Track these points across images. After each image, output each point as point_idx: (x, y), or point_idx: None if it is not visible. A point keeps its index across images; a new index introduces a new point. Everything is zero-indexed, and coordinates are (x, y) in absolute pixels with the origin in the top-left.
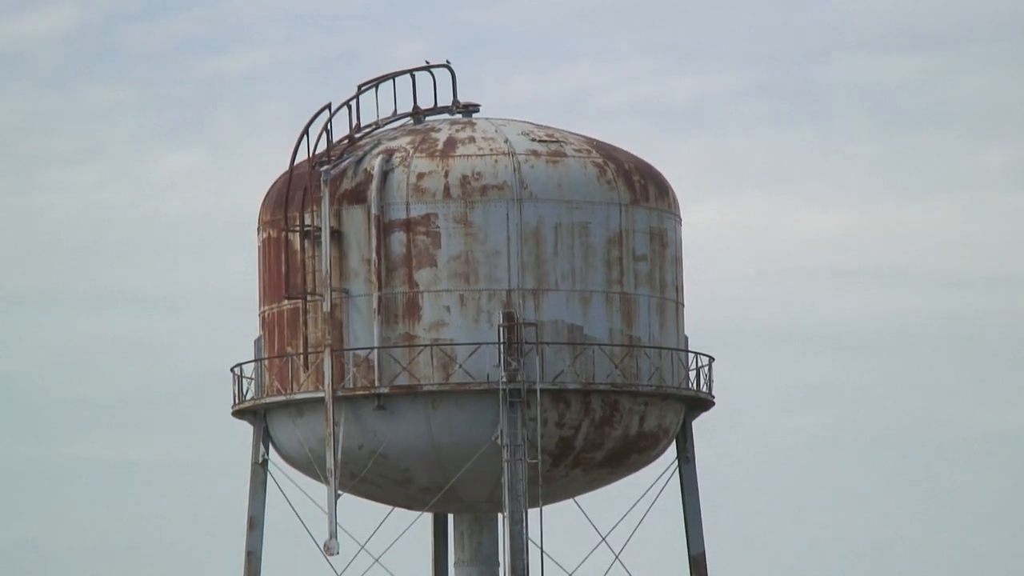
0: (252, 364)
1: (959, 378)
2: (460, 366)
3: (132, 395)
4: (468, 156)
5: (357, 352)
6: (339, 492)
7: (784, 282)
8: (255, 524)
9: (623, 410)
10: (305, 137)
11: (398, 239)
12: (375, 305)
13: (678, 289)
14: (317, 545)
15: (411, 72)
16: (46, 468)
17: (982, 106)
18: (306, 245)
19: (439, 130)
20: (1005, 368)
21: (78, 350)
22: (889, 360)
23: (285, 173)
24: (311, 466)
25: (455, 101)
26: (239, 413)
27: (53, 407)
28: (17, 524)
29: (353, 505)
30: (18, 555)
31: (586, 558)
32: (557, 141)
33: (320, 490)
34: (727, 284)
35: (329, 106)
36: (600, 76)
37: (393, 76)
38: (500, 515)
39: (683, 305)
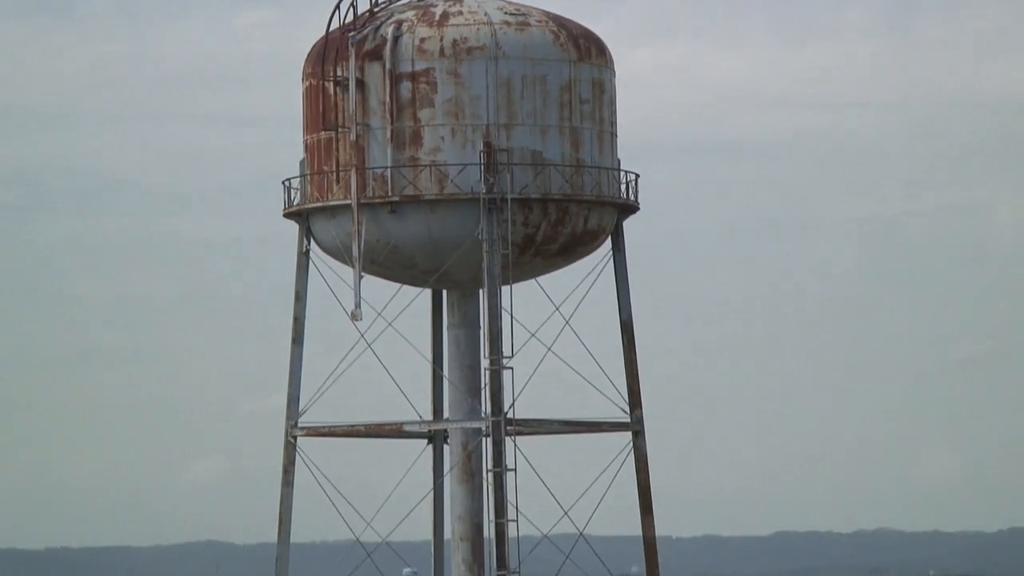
0: (298, 178)
1: (834, 174)
2: (451, 181)
3: (211, 190)
4: (458, 25)
5: (375, 170)
6: (362, 274)
7: (696, 111)
8: (300, 297)
9: (571, 214)
10: (337, 11)
11: (406, 87)
12: (388, 135)
13: (613, 123)
14: (345, 312)
15: None
16: (150, 241)
17: None
18: (337, 91)
19: (436, 6)
20: (865, 168)
21: (172, 153)
22: (778, 166)
23: (322, 37)
24: (341, 254)
25: None
26: (288, 215)
27: (156, 195)
28: (130, 281)
29: (372, 283)
30: (130, 307)
31: (544, 323)
32: (523, 14)
33: (348, 272)
34: (651, 118)
35: None
36: None
37: None
38: (481, 290)
39: (616, 135)
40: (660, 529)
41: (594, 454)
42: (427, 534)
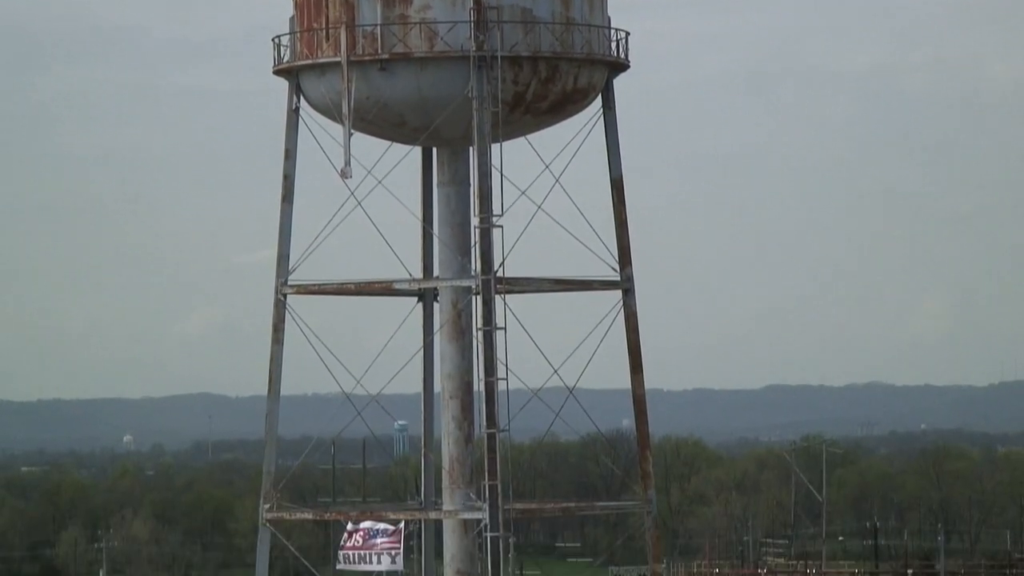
0: (288, 36)
1: (827, 25)
2: (441, 39)
3: (211, 40)
4: None
5: (365, 27)
6: (352, 131)
7: None
8: (290, 155)
9: (562, 72)
10: None
11: None
12: None
13: None
14: (335, 170)
15: None
16: (156, 92)
17: None
18: None
19: None
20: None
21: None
22: (770, 17)
23: None
24: (331, 112)
25: None
26: (278, 72)
27: (159, 47)
28: (128, 133)
29: (361, 141)
30: (124, 160)
31: (534, 181)
32: None
33: (337, 130)
34: None
35: None
36: None
37: None
38: (471, 148)
39: None
40: (651, 383)
41: (584, 312)
42: (417, 387)
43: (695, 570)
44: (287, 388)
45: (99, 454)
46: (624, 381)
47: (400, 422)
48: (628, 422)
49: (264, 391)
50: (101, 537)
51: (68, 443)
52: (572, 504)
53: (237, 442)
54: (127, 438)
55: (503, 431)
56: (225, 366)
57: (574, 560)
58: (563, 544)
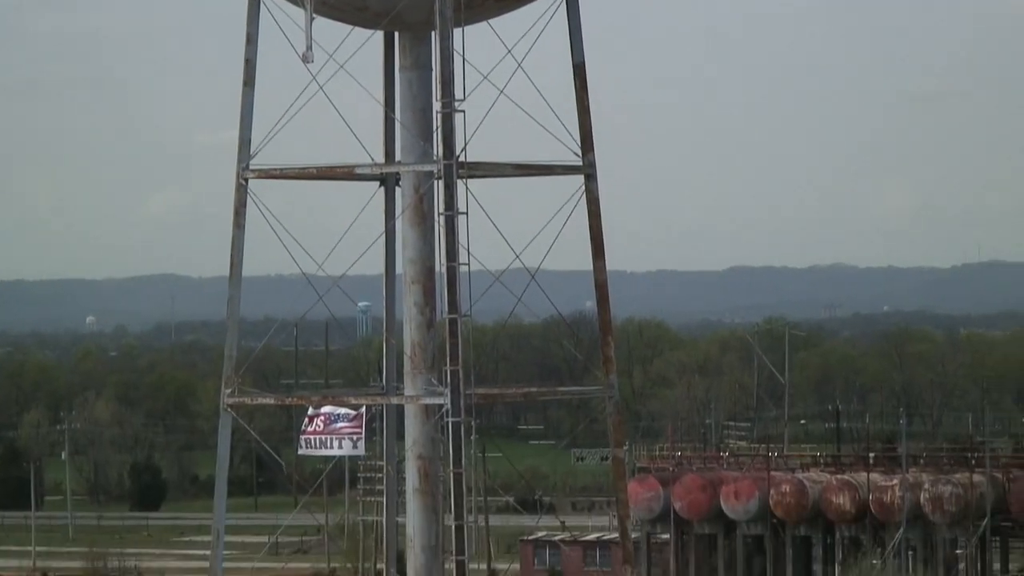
0: None
1: None
2: None
3: None
4: None
5: None
6: (313, 15)
7: None
8: (252, 39)
9: None
10: None
11: None
12: None
13: None
14: (297, 54)
15: None
16: None
17: None
18: None
19: None
20: None
21: None
22: None
23: None
24: None
25: None
26: None
27: None
28: (92, 14)
29: (323, 26)
30: (88, 41)
31: (496, 65)
32: None
33: (299, 14)
34: None
35: None
36: None
37: None
38: (433, 32)
39: None
40: (613, 265)
41: (546, 198)
42: (379, 269)
43: (657, 453)
44: (250, 269)
45: (62, 335)
46: (587, 263)
47: (363, 303)
48: (591, 303)
49: (227, 271)
50: (63, 419)
51: (31, 324)
52: (534, 389)
53: (200, 323)
54: (90, 319)
55: (465, 316)
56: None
57: (536, 443)
58: (526, 427)
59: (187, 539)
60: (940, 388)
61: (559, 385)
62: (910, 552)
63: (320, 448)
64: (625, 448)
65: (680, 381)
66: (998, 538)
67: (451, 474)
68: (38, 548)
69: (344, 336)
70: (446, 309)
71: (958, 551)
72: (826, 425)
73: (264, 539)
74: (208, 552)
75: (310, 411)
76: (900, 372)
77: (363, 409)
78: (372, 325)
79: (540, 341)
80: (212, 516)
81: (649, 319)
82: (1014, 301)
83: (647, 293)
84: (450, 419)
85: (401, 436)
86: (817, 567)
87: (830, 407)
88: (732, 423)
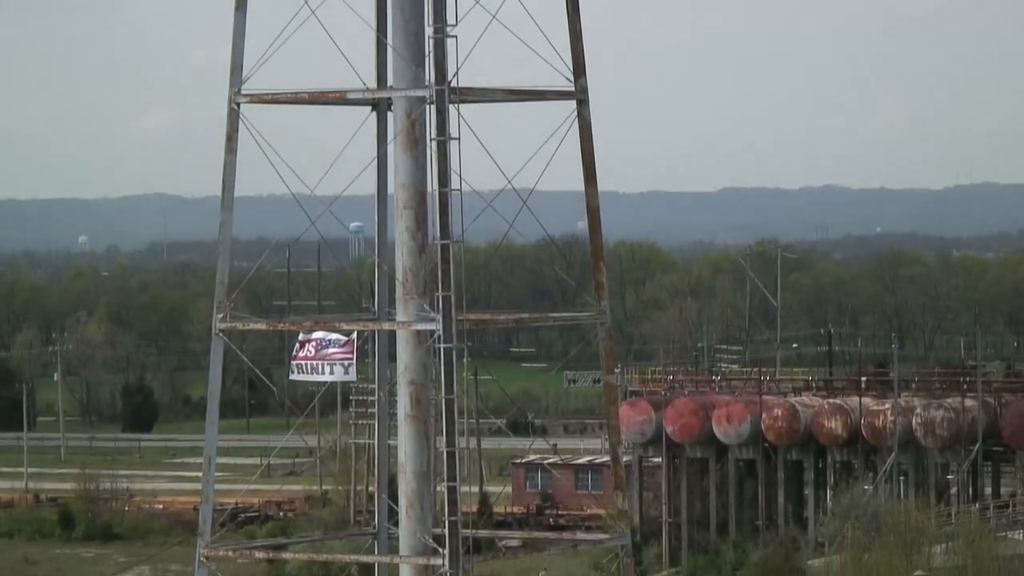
0: None
1: None
2: None
3: None
4: None
5: None
6: None
7: None
8: None
9: None
10: None
11: None
12: None
13: None
14: None
15: None
16: None
17: None
18: None
19: None
20: None
21: None
22: None
23: None
24: None
25: None
26: None
27: None
28: None
29: None
30: None
31: None
32: None
33: None
34: None
35: None
36: None
37: None
38: None
39: None
40: (606, 186)
41: (539, 123)
42: (371, 190)
43: (649, 376)
44: (242, 189)
45: (54, 255)
46: (580, 183)
47: (355, 224)
48: (584, 224)
49: (219, 192)
50: (56, 340)
51: (23, 244)
52: (526, 315)
53: (192, 243)
54: (82, 239)
55: (456, 242)
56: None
57: (529, 365)
58: (518, 349)
59: (179, 461)
60: (932, 311)
61: (552, 307)
62: (902, 477)
63: (311, 373)
64: (617, 371)
65: (672, 304)
66: (990, 463)
67: (443, 400)
68: (30, 470)
69: (337, 257)
70: (438, 235)
71: (949, 476)
72: (818, 348)
73: (256, 461)
74: (200, 474)
75: (301, 336)
76: (892, 295)
77: (354, 335)
78: (364, 246)
79: (533, 263)
80: (204, 439)
81: (641, 241)
82: (1007, 223)
83: (639, 214)
84: (442, 345)
85: (393, 359)
86: (809, 491)
87: (822, 331)
88: (724, 346)
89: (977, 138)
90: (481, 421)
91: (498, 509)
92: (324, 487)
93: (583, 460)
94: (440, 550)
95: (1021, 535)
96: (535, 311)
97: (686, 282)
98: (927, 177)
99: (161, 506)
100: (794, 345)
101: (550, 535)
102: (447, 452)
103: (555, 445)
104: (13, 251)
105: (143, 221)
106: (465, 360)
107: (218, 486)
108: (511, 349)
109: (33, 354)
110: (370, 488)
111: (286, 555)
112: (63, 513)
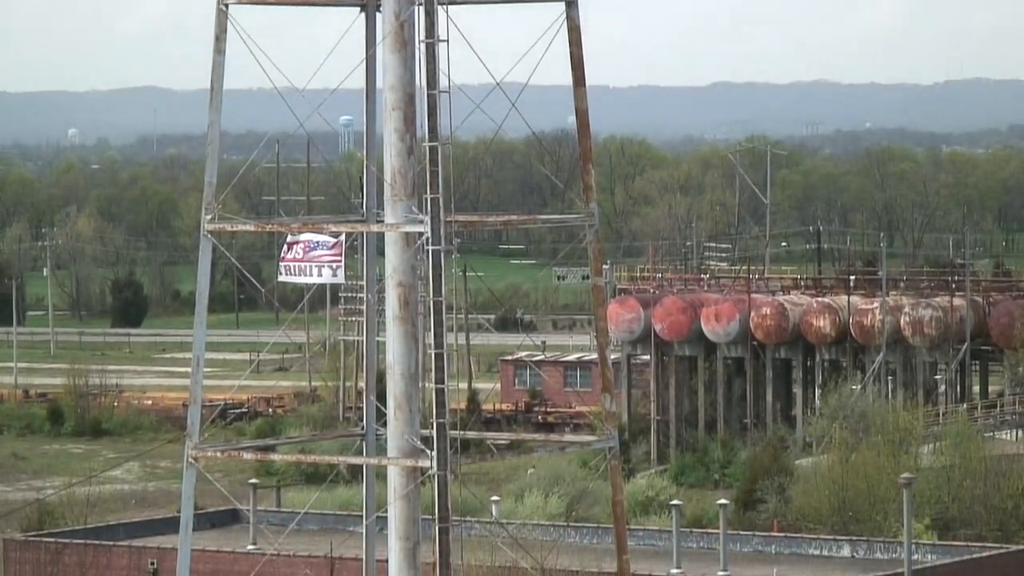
0: None
1: None
2: None
3: None
4: None
5: None
6: None
7: None
8: None
9: None
10: None
11: None
12: None
13: None
14: None
15: None
16: None
17: None
18: None
19: None
20: None
21: None
22: None
23: None
24: None
25: None
26: None
27: None
28: None
29: None
30: None
31: None
32: None
33: None
34: None
35: None
36: None
37: None
38: None
39: None
40: (596, 80)
41: (527, 25)
42: (361, 84)
43: (638, 274)
44: (232, 83)
45: (44, 148)
46: (570, 78)
47: (345, 117)
48: (573, 119)
49: (208, 85)
50: (45, 235)
51: (12, 136)
52: (514, 217)
53: (182, 136)
54: (72, 132)
55: (445, 144)
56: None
57: (518, 262)
58: (507, 245)
59: (168, 356)
60: (921, 208)
61: (541, 203)
62: (890, 376)
63: (300, 275)
64: (606, 267)
65: (662, 200)
66: (977, 362)
67: (431, 303)
68: (19, 364)
69: (326, 151)
70: (427, 136)
71: (937, 376)
72: (807, 246)
73: (245, 356)
74: (189, 370)
75: (289, 239)
76: (882, 191)
77: (343, 237)
78: (354, 140)
79: (522, 158)
80: (193, 335)
81: (631, 136)
82: (997, 119)
83: (629, 108)
84: (430, 247)
85: (382, 255)
86: (797, 390)
87: (811, 228)
88: (713, 244)
89: (969, 34)
90: (470, 318)
91: (487, 406)
92: (313, 384)
93: (571, 357)
94: (428, 452)
95: (1008, 435)
96: (524, 207)
97: (675, 178)
98: (918, 72)
99: (150, 402)
100: (783, 243)
101: (537, 437)
102: (435, 354)
103: (543, 343)
104: (3, 144)
105: (133, 114)
106: (454, 257)
107: (207, 382)
108: (500, 246)
109: (22, 248)
110: (359, 385)
111: (274, 456)
112: (52, 409)
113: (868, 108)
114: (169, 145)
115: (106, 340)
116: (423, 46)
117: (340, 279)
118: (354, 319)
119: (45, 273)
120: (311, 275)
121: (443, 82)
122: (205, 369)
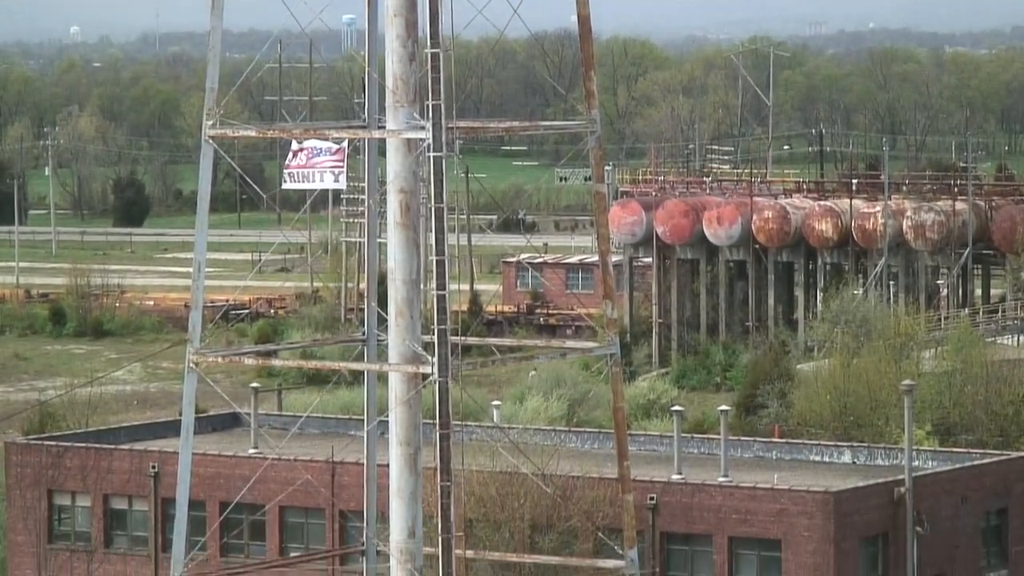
0: None
1: None
2: None
3: None
4: None
5: None
6: None
7: None
8: None
9: None
10: None
11: None
12: None
13: None
14: None
15: None
16: None
17: None
18: None
19: None
20: None
21: None
22: None
23: None
24: None
25: None
26: None
27: None
28: None
29: None
30: None
31: None
32: None
33: None
34: None
35: None
36: None
37: None
38: None
39: None
40: None
41: None
42: None
43: (640, 176)
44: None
45: (46, 46)
46: None
47: (348, 16)
48: (576, 19)
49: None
50: (47, 134)
51: (14, 34)
52: (516, 123)
53: (185, 34)
54: (74, 29)
55: (447, 51)
56: None
57: (520, 163)
58: (510, 147)
59: (170, 255)
60: (924, 110)
61: (544, 103)
62: (891, 280)
63: (303, 181)
64: (608, 168)
65: (664, 101)
66: (980, 266)
67: (433, 209)
68: (21, 264)
69: (329, 49)
70: (429, 43)
71: (939, 280)
72: (809, 148)
73: (247, 257)
74: (191, 270)
75: (293, 146)
76: (884, 92)
77: (345, 143)
78: (357, 39)
79: (525, 58)
80: (195, 237)
81: (634, 37)
82: (1000, 20)
83: (632, 7)
84: (431, 153)
85: (383, 155)
86: (799, 293)
87: (814, 130)
88: (715, 146)
89: None
90: (472, 218)
91: (489, 308)
92: (316, 284)
93: (574, 259)
94: (429, 358)
95: (1010, 340)
96: (527, 108)
97: (678, 79)
98: None
99: (152, 303)
100: (786, 145)
101: (539, 342)
102: (436, 260)
103: (545, 245)
104: (5, 42)
105: (135, 12)
106: (456, 159)
107: (209, 282)
108: (503, 147)
109: (24, 147)
110: (361, 286)
111: (275, 361)
112: (54, 309)
113: (872, 8)
114: (171, 43)
115: (108, 240)
116: None
117: (342, 184)
118: (355, 220)
119: (47, 172)
120: (314, 181)
121: None
122: (207, 269)
